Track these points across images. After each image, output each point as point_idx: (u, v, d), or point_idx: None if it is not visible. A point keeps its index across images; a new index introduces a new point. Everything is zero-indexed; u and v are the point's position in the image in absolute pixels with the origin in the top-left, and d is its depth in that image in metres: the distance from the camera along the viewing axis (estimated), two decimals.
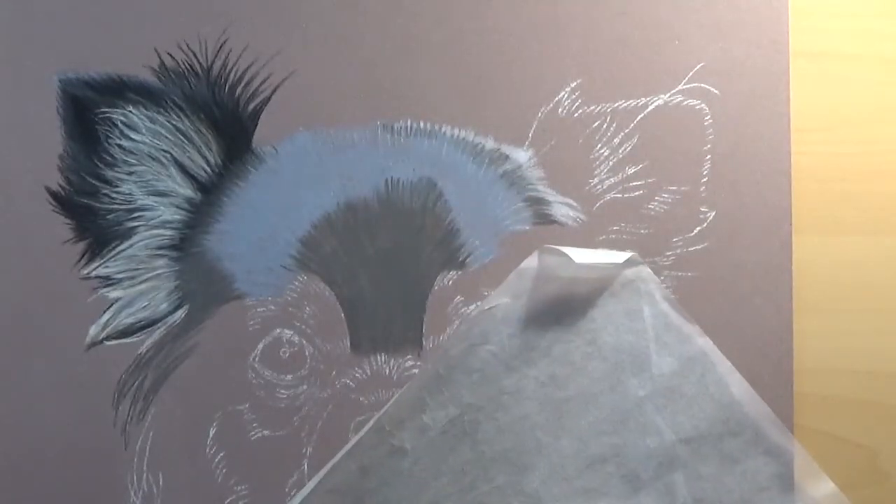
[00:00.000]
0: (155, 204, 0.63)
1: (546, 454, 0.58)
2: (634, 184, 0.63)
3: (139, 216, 0.63)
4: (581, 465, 0.58)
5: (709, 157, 0.63)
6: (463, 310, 0.62)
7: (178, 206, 0.63)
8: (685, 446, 0.58)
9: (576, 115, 0.63)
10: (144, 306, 0.63)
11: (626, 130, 0.63)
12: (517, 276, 0.60)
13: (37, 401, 0.62)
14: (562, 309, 0.59)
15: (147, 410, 0.62)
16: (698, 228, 0.63)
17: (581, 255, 0.59)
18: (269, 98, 0.63)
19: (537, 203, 0.63)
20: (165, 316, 0.63)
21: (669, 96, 0.63)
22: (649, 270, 0.59)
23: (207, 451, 0.62)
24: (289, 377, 0.62)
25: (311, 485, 0.59)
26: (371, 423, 0.59)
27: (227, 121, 0.63)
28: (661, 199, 0.63)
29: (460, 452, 0.58)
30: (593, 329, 0.59)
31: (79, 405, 0.62)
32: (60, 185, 0.63)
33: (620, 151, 0.63)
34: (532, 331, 0.59)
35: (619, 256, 0.59)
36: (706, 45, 0.63)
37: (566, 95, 0.63)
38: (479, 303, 0.62)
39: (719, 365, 0.59)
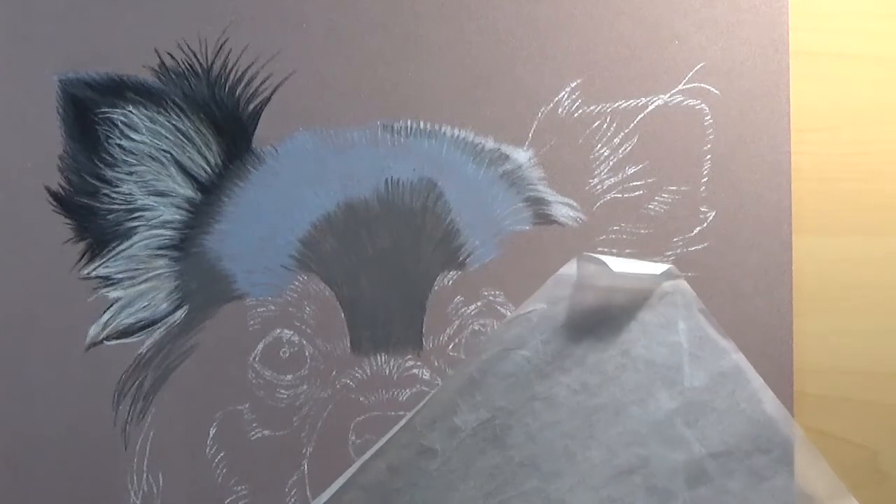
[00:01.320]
0: (155, 204, 0.63)
1: (574, 462, 0.58)
2: (634, 184, 0.63)
3: (139, 216, 0.63)
4: (608, 475, 0.57)
5: (709, 157, 0.63)
6: (463, 310, 0.62)
7: (178, 206, 0.63)
8: (713, 461, 0.58)
9: (576, 115, 0.63)
10: (144, 306, 0.63)
11: (626, 130, 0.63)
12: (554, 283, 0.60)
13: (37, 401, 0.62)
14: (598, 318, 0.59)
15: (147, 410, 0.62)
16: (698, 228, 0.63)
17: (619, 265, 0.58)
18: (269, 98, 0.63)
19: (537, 203, 0.63)
20: (165, 316, 0.63)
21: (669, 96, 0.63)
22: (686, 283, 0.59)
23: (207, 451, 0.62)
24: (289, 377, 0.62)
25: (339, 481, 0.59)
26: (402, 422, 0.59)
27: (227, 121, 0.63)
28: (661, 199, 0.63)
29: (489, 456, 0.58)
30: (628, 340, 0.59)
31: (79, 405, 0.62)
32: (60, 185, 0.63)
33: (620, 151, 0.63)
34: (567, 338, 0.59)
35: (657, 268, 0.59)
36: (706, 45, 0.63)
37: (566, 95, 0.63)
38: (478, 303, 0.62)
39: (752, 381, 0.59)
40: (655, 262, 0.59)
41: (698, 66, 0.63)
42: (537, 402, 0.58)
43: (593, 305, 0.59)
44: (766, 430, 0.58)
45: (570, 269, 0.60)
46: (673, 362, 0.59)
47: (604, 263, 0.58)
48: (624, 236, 0.63)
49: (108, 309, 0.62)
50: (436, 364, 0.62)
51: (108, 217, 0.63)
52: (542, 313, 0.59)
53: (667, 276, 0.59)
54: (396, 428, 0.59)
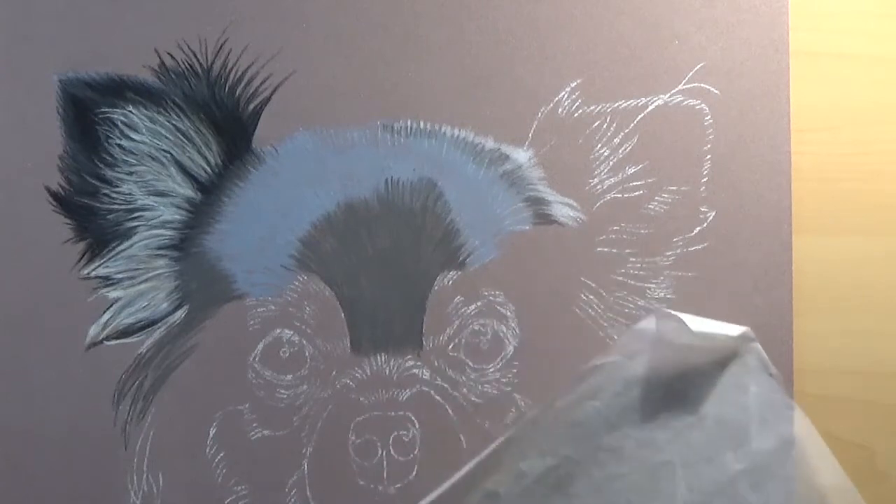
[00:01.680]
0: (155, 204, 0.63)
1: None
2: (634, 184, 0.63)
3: (139, 216, 0.63)
4: None
5: (709, 157, 0.63)
6: (463, 310, 0.62)
7: (178, 206, 0.63)
8: None
9: (576, 115, 0.63)
10: (144, 306, 0.63)
11: (626, 130, 0.63)
12: (631, 336, 0.59)
13: (37, 401, 0.62)
14: (671, 374, 0.59)
15: (147, 410, 0.62)
16: (698, 228, 0.63)
17: (697, 324, 0.58)
18: (269, 98, 0.63)
19: (537, 203, 0.63)
20: (165, 316, 0.63)
21: (669, 96, 0.63)
22: (759, 347, 0.59)
23: (207, 451, 0.62)
24: (289, 377, 0.62)
25: None
26: (470, 465, 0.58)
27: (227, 121, 0.63)
28: (661, 199, 0.63)
29: (552, 503, 0.58)
30: (699, 398, 0.59)
31: (79, 405, 0.62)
32: (60, 185, 0.63)
33: (620, 151, 0.63)
34: (638, 392, 0.59)
35: (734, 329, 0.59)
36: (706, 45, 0.63)
37: (566, 95, 0.63)
38: (478, 303, 0.62)
39: (817, 448, 0.59)
40: (732, 323, 0.60)
41: (698, 66, 0.63)
42: (604, 453, 0.58)
43: (668, 362, 0.59)
44: (826, 499, 0.58)
45: (649, 323, 0.59)
46: (742, 424, 0.58)
47: (682, 321, 0.58)
48: (624, 236, 0.63)
49: (108, 309, 0.62)
50: (436, 364, 0.62)
51: (108, 217, 0.63)
52: (616, 365, 0.59)
53: (742, 338, 0.59)
54: (463, 471, 0.59)
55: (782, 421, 0.58)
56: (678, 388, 0.59)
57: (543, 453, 0.58)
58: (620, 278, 0.63)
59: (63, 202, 0.63)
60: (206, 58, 0.63)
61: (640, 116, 0.63)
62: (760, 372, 0.59)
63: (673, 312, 0.59)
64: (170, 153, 0.63)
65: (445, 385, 0.62)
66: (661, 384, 0.59)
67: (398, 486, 0.62)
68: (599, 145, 0.63)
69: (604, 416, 0.58)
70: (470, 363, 0.62)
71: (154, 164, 0.63)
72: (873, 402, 0.63)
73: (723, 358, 0.59)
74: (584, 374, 0.59)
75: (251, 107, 0.63)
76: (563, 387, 0.60)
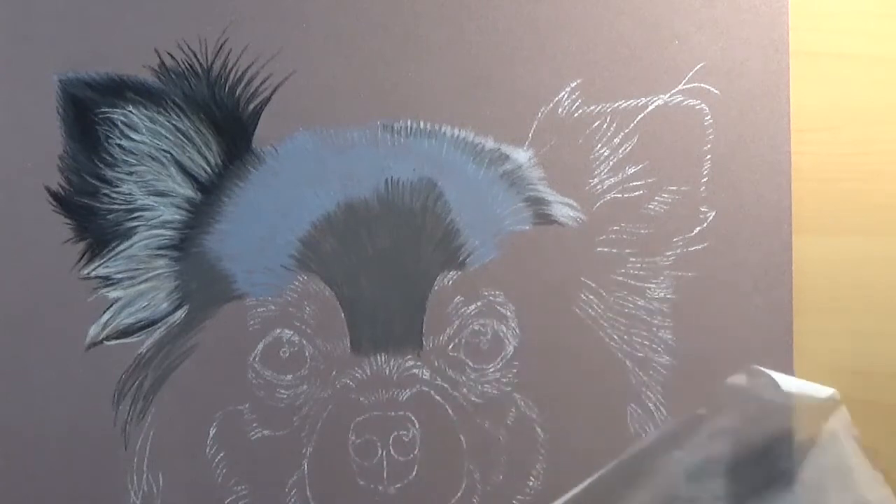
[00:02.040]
0: (155, 204, 0.63)
1: None
2: (634, 184, 0.63)
3: (139, 216, 0.63)
4: None
5: (709, 157, 0.63)
6: (463, 310, 0.62)
7: (178, 206, 0.63)
8: None
9: (576, 115, 0.63)
10: (144, 306, 0.63)
11: (626, 130, 0.63)
12: (721, 392, 0.60)
13: (37, 401, 0.62)
14: (755, 431, 0.59)
15: (147, 410, 0.62)
16: (698, 228, 0.63)
17: (787, 383, 0.59)
18: (269, 98, 0.63)
19: (537, 203, 0.63)
20: (165, 316, 0.63)
21: (669, 96, 0.63)
22: (845, 410, 0.59)
23: (207, 451, 0.62)
24: (289, 377, 0.62)
25: None
26: None
27: (227, 121, 0.63)
28: (661, 199, 0.63)
29: None
30: (781, 456, 0.59)
31: (79, 405, 0.62)
32: (60, 185, 0.63)
33: (620, 151, 0.63)
34: (722, 445, 0.59)
35: (822, 391, 0.59)
36: (706, 45, 0.63)
37: (566, 95, 0.63)
38: (478, 303, 0.62)
39: None
40: (819, 384, 0.60)
41: (698, 66, 0.63)
42: (681, 503, 0.58)
43: (754, 418, 0.59)
44: None
45: (739, 379, 0.60)
46: (821, 485, 0.58)
47: (772, 379, 0.59)
48: (624, 236, 0.63)
49: (108, 309, 0.62)
50: (436, 364, 0.62)
51: (108, 217, 0.63)
52: (702, 417, 0.59)
53: (829, 400, 0.59)
54: None
55: (862, 484, 0.59)
56: (761, 445, 0.59)
57: (620, 500, 0.58)
58: (620, 278, 0.63)
59: (63, 202, 0.63)
60: (206, 58, 0.63)
61: (640, 116, 0.63)
62: (843, 435, 0.59)
63: (764, 370, 0.59)
64: (170, 153, 0.63)
65: (445, 385, 0.62)
66: (745, 440, 0.59)
67: (398, 486, 0.62)
68: (599, 145, 0.63)
69: (684, 467, 0.58)
70: (470, 363, 0.62)
71: (154, 164, 0.63)
72: (873, 402, 0.63)
73: (809, 418, 0.59)
74: (669, 423, 0.60)
75: (251, 107, 0.63)
76: (649, 434, 0.60)
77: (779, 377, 0.58)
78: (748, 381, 0.59)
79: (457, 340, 0.62)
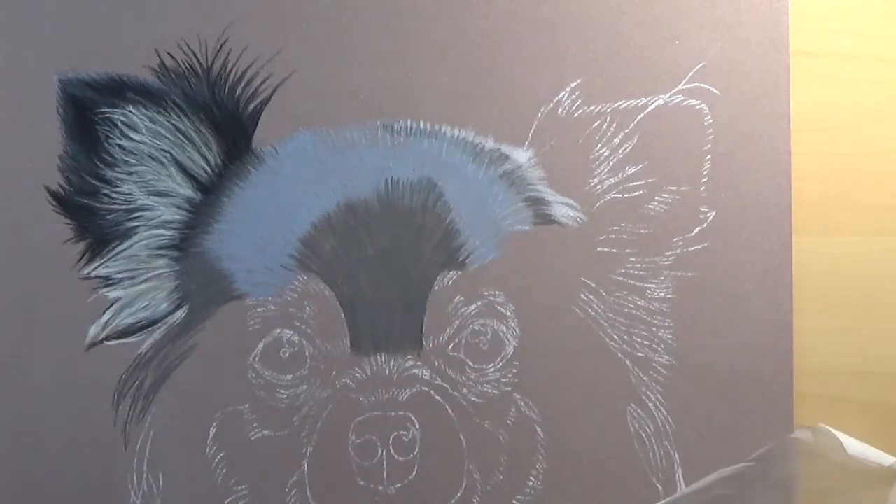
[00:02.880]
0: (155, 204, 0.63)
1: None
2: (634, 184, 0.63)
3: (139, 216, 0.63)
4: None
5: (709, 157, 0.63)
6: (463, 310, 0.62)
7: (178, 206, 0.63)
8: None
9: (576, 115, 0.63)
10: (144, 306, 0.63)
11: (626, 130, 0.63)
12: (786, 442, 0.60)
13: (37, 401, 0.62)
14: (815, 488, 0.59)
15: (147, 410, 0.62)
16: (698, 228, 0.63)
17: (853, 447, 0.59)
18: (269, 98, 0.63)
19: (537, 203, 0.63)
20: (165, 316, 0.63)
21: (669, 96, 0.63)
22: None
23: (207, 451, 0.62)
24: (289, 377, 0.62)
25: None
26: None
27: (227, 121, 0.63)
28: (661, 199, 0.63)
29: None
30: None
31: (79, 405, 0.62)
32: (60, 185, 0.63)
33: (620, 151, 0.63)
34: (775, 497, 0.59)
35: (888, 459, 0.60)
36: (706, 45, 0.63)
37: (566, 95, 0.63)
38: (478, 303, 0.62)
39: None
40: (882, 451, 0.60)
41: (698, 66, 0.63)
42: None
43: (816, 475, 0.59)
44: None
45: (805, 434, 0.60)
46: None
47: (839, 440, 0.59)
48: (624, 236, 0.63)
49: (108, 309, 0.62)
50: (436, 364, 0.62)
51: (108, 217, 0.63)
52: (762, 467, 0.60)
53: (893, 468, 0.59)
54: None
55: None
56: (818, 502, 0.59)
57: None
58: (620, 278, 0.63)
59: (63, 202, 0.63)
60: (206, 58, 0.63)
61: (640, 116, 0.63)
62: None
63: (831, 430, 0.59)
64: (170, 153, 0.63)
65: (445, 385, 0.62)
66: (803, 494, 0.59)
67: (398, 486, 0.62)
68: (599, 145, 0.63)
69: None
70: (470, 363, 0.62)
71: (154, 164, 0.63)
72: (873, 402, 0.63)
73: (869, 483, 0.59)
74: (730, 470, 0.60)
75: (251, 107, 0.63)
76: (710, 477, 0.60)
77: (846, 439, 0.59)
78: (815, 438, 0.59)
79: (457, 340, 0.62)
